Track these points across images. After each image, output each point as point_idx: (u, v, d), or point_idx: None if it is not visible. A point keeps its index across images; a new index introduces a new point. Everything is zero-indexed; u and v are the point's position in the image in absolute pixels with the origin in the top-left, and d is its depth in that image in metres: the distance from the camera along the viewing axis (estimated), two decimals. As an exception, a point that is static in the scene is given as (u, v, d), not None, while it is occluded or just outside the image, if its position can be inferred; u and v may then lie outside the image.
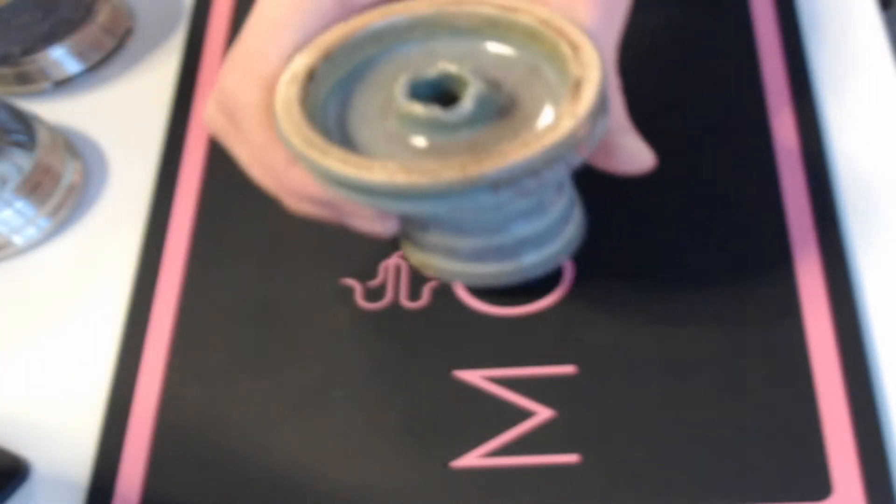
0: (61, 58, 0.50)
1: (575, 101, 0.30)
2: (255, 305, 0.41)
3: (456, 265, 0.38)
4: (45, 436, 0.39)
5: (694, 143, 0.43)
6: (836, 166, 0.42)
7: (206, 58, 0.50)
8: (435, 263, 0.38)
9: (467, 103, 0.31)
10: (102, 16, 0.51)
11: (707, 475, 0.34)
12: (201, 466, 0.38)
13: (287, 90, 0.33)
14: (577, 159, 0.31)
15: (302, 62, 0.33)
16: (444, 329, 0.39)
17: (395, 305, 0.40)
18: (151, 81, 0.51)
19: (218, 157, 0.46)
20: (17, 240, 0.45)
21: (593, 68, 0.31)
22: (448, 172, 0.29)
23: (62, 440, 0.39)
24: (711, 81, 0.45)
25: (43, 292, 0.44)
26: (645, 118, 0.35)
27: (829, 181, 0.41)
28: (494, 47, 0.34)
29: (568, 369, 0.38)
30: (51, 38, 0.49)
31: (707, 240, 0.40)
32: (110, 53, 0.52)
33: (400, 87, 0.32)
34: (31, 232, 0.45)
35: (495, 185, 0.29)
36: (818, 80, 0.45)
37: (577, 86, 0.30)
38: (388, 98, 0.34)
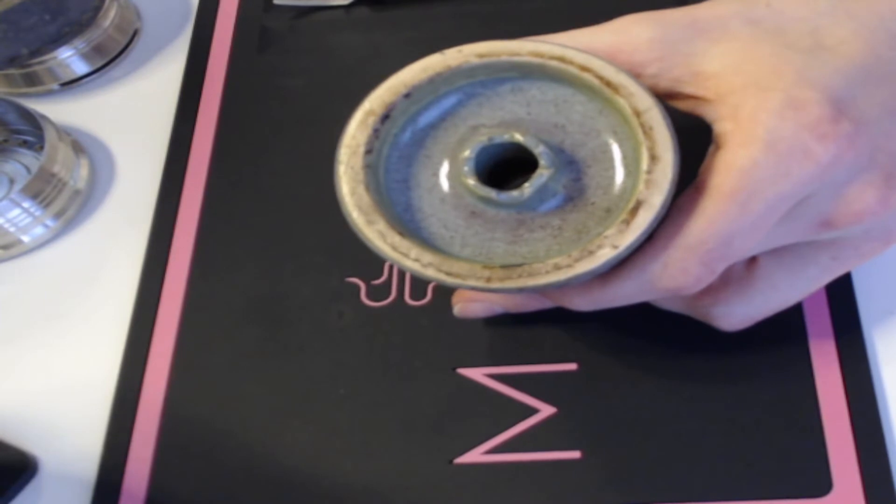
0: (69, 59, 0.51)
1: (624, 227, 0.27)
2: (260, 304, 0.42)
3: None
4: (53, 432, 0.40)
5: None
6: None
7: (212, 59, 0.51)
8: None
9: (526, 190, 0.29)
10: (110, 17, 0.52)
11: (707, 471, 0.35)
12: (207, 462, 0.38)
13: (353, 162, 0.30)
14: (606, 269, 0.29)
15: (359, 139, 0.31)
16: (447, 327, 0.39)
17: (399, 303, 0.41)
18: (158, 82, 0.51)
19: (223, 157, 0.47)
20: (26, 239, 0.45)
21: (658, 191, 0.27)
22: (473, 281, 0.28)
23: (69, 437, 0.40)
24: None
25: (51, 291, 0.44)
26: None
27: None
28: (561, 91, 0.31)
29: (570, 367, 0.38)
30: (59, 40, 0.50)
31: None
32: (118, 55, 0.52)
33: (465, 155, 0.30)
34: (39, 231, 0.45)
35: (520, 290, 0.28)
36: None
37: (634, 209, 0.27)
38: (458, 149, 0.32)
